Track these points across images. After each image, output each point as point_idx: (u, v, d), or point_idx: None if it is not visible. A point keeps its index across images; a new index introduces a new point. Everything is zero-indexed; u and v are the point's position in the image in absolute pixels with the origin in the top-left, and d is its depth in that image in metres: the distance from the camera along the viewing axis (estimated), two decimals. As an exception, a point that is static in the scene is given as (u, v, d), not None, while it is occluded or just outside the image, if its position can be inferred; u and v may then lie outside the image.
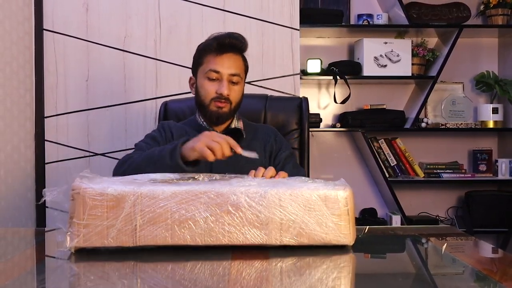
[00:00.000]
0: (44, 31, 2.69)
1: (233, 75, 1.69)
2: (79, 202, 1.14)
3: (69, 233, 1.14)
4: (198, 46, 1.76)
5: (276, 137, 1.81)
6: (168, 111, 2.04)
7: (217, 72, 1.68)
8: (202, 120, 1.77)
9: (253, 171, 1.34)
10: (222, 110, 1.69)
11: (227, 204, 1.13)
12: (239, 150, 1.37)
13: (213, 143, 1.36)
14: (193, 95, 1.78)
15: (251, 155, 1.40)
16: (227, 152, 1.37)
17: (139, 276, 1.05)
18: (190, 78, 1.80)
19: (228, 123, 1.77)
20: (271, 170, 1.34)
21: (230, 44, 1.69)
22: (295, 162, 1.81)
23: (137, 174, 1.35)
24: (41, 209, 2.68)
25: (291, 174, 1.60)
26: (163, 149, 1.47)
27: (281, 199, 1.14)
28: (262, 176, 1.32)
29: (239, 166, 1.56)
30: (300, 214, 1.14)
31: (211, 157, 1.36)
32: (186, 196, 1.13)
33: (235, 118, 1.78)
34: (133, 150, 1.69)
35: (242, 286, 0.98)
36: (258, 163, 1.69)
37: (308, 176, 1.90)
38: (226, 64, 1.68)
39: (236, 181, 1.17)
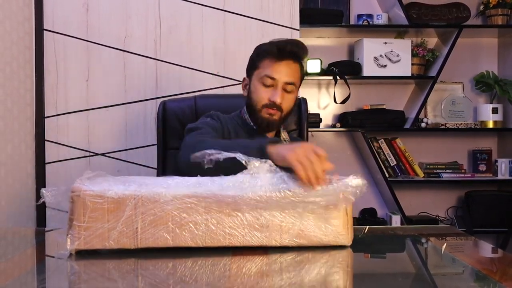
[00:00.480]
0: (44, 31, 2.69)
1: (288, 83, 1.65)
2: (79, 205, 1.13)
3: (69, 235, 1.14)
4: (257, 47, 1.72)
5: None
6: (167, 111, 2.02)
7: (272, 78, 1.64)
8: (250, 121, 1.73)
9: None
10: (273, 118, 1.66)
11: (228, 207, 1.14)
12: (323, 182, 1.19)
13: (305, 159, 1.19)
14: (244, 96, 1.75)
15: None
16: (321, 176, 1.19)
17: (140, 274, 1.05)
18: (244, 79, 1.76)
19: (274, 133, 1.75)
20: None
21: (290, 51, 1.65)
22: None
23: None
24: (41, 209, 2.68)
25: None
26: (247, 145, 1.33)
27: (281, 202, 1.14)
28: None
29: None
30: (300, 216, 1.15)
31: (303, 176, 1.17)
32: (186, 199, 1.13)
33: (281, 128, 1.76)
34: (197, 131, 1.57)
35: (242, 281, 0.98)
36: None
37: None
38: (283, 72, 1.64)
39: (237, 183, 1.17)
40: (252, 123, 1.72)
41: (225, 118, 1.72)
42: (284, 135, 1.77)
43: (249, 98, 1.71)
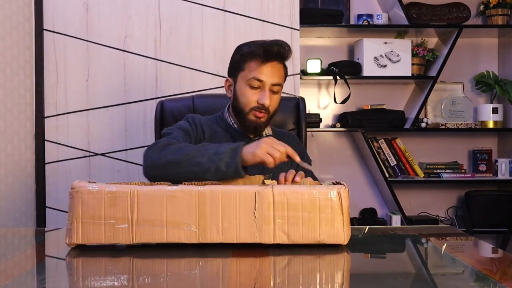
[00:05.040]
0: (44, 31, 2.69)
1: (275, 84, 1.65)
2: (78, 200, 1.15)
3: (68, 230, 1.16)
4: (240, 48, 1.71)
5: (299, 144, 1.82)
6: (164, 111, 2.02)
7: (260, 80, 1.64)
8: (233, 121, 1.74)
9: (283, 174, 1.40)
10: (260, 120, 1.66)
11: (221, 203, 1.14)
12: (297, 159, 1.41)
13: (274, 150, 1.39)
14: (229, 97, 1.74)
15: (306, 165, 1.44)
16: (284, 159, 1.41)
17: (140, 274, 1.05)
18: (227, 80, 1.75)
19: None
20: (292, 173, 1.40)
21: (277, 52, 1.65)
22: (311, 172, 1.79)
23: (176, 164, 1.42)
24: (41, 209, 2.68)
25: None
26: (220, 146, 1.46)
27: (275, 199, 1.15)
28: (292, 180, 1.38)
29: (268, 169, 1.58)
30: (293, 212, 1.15)
31: (272, 164, 1.39)
32: (181, 195, 1.15)
33: None
34: (168, 136, 1.62)
35: (238, 280, 0.98)
36: (286, 170, 1.70)
37: None
38: (270, 73, 1.64)
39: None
40: (233, 124, 1.74)
41: (201, 120, 1.73)
42: (269, 132, 1.77)
43: (235, 100, 1.70)
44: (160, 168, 1.48)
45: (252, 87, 1.65)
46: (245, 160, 1.40)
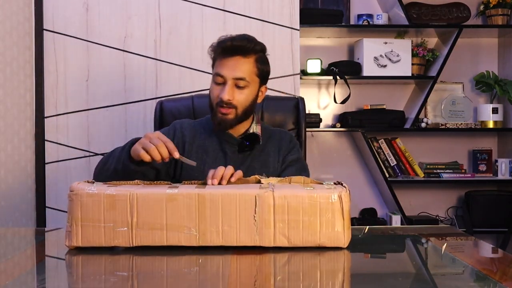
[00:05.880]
0: (44, 31, 2.69)
1: (238, 79, 1.61)
2: (76, 203, 1.15)
3: (67, 232, 1.15)
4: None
5: (291, 141, 1.77)
6: (164, 111, 2.02)
7: (221, 76, 1.62)
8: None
9: (212, 170, 1.30)
10: (226, 117, 1.63)
11: (221, 206, 1.14)
12: (176, 155, 1.36)
13: (148, 144, 1.36)
14: None
15: (189, 162, 1.41)
16: (165, 154, 1.36)
17: (141, 275, 1.05)
18: None
19: (246, 128, 1.72)
20: (230, 169, 1.30)
21: (233, 47, 1.62)
22: (301, 167, 1.75)
23: (105, 169, 1.49)
24: (41, 209, 2.68)
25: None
26: (122, 148, 1.51)
27: (276, 202, 1.14)
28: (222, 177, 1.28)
29: (252, 172, 1.55)
30: (294, 216, 1.15)
31: (145, 158, 1.36)
32: (181, 198, 1.14)
33: (253, 123, 1.73)
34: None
35: (238, 281, 0.98)
36: (271, 168, 1.69)
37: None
38: (230, 68, 1.61)
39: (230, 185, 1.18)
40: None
41: (184, 125, 1.74)
42: (257, 130, 1.73)
43: (209, 98, 1.70)
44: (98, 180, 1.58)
45: (217, 83, 1.64)
46: (133, 156, 1.42)
